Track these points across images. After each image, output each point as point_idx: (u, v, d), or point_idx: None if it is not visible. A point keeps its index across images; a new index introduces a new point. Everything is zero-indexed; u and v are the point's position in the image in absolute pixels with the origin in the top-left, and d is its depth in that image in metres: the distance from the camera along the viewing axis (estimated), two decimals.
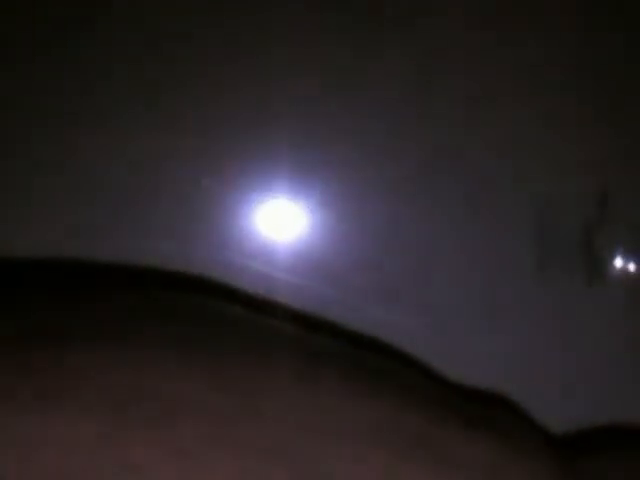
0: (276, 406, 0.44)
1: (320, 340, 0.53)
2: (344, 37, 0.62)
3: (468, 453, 0.47)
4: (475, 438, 0.49)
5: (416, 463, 0.45)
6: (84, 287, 0.53)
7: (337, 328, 0.59)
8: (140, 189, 0.60)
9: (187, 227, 0.60)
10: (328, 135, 0.61)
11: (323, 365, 0.49)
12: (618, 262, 0.62)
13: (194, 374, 0.44)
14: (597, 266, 0.61)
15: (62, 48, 0.61)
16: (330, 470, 0.42)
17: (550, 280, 0.61)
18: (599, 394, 0.61)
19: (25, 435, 0.39)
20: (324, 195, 0.61)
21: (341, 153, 0.62)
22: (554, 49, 0.63)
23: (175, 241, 0.59)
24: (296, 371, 0.47)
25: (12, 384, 0.41)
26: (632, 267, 0.62)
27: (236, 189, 0.61)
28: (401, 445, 0.45)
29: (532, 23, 0.62)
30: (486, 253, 0.61)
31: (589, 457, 0.55)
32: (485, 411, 0.54)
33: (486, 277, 0.61)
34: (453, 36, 0.62)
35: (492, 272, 0.61)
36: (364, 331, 0.59)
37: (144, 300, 0.51)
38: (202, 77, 0.61)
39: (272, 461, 0.41)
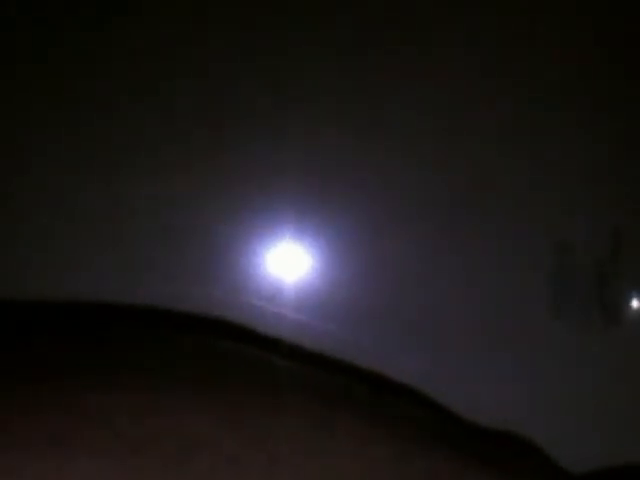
0: (291, 451, 0.44)
1: (336, 381, 0.54)
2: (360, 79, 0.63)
3: None
4: (490, 477, 0.49)
5: None
6: (99, 329, 0.53)
7: (353, 369, 0.59)
8: (156, 234, 0.61)
9: (199, 270, 0.61)
10: (336, 177, 0.62)
11: (339, 407, 0.49)
12: (635, 303, 0.62)
13: (210, 416, 0.44)
14: (613, 307, 0.61)
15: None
16: None
17: (565, 321, 0.61)
18: (615, 434, 0.61)
19: None
20: (332, 235, 0.62)
21: (349, 192, 0.62)
22: (573, 85, 0.63)
23: (190, 284, 0.60)
24: (312, 415, 0.47)
25: (27, 429, 0.40)
26: None
27: (246, 232, 0.62)
28: None
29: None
30: (501, 293, 0.62)
31: None
32: (500, 450, 0.54)
33: (501, 318, 0.61)
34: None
35: (506, 313, 0.61)
36: (376, 370, 0.59)
37: (160, 341, 0.51)
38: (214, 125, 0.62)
39: None
